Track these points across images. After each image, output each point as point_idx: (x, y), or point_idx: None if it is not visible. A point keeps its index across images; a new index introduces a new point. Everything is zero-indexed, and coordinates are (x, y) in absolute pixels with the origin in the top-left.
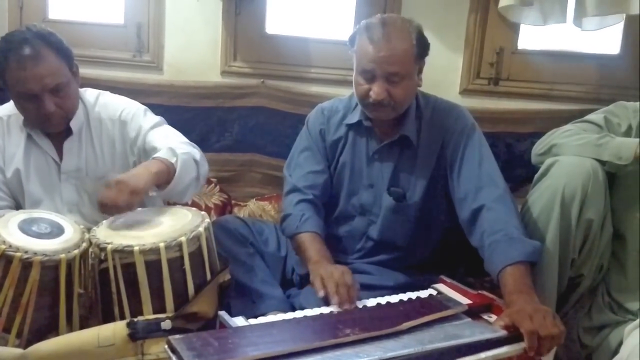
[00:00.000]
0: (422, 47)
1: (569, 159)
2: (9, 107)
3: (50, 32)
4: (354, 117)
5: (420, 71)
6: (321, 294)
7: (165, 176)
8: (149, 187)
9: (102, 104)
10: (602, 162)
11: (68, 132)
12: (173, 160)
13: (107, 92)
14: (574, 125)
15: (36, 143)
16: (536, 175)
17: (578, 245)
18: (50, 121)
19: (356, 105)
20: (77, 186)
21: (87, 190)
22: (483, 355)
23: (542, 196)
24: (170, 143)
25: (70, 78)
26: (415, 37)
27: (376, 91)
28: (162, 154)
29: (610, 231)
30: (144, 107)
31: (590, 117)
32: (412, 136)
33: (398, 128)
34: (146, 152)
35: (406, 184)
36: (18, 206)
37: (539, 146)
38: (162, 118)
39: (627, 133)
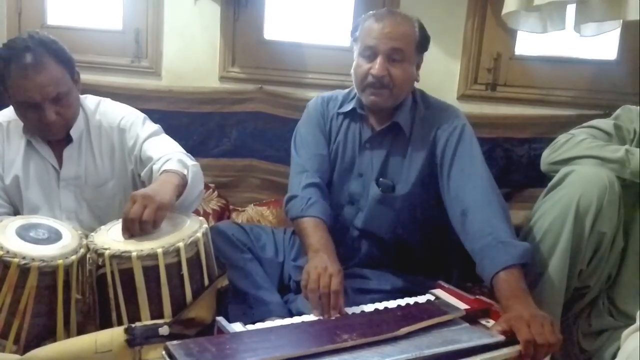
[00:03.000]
0: (423, 39)
1: (586, 169)
2: (9, 112)
3: (52, 40)
4: (349, 106)
5: (418, 67)
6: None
7: (182, 189)
8: (173, 202)
9: (103, 111)
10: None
11: (68, 139)
12: (185, 172)
13: (108, 99)
14: (585, 133)
15: (36, 150)
16: (550, 184)
17: (588, 257)
18: (51, 130)
19: (354, 96)
20: (75, 193)
21: (85, 198)
22: (479, 357)
23: (555, 205)
24: (170, 153)
25: (71, 86)
26: (418, 27)
27: (377, 68)
28: (172, 165)
29: (621, 244)
30: (143, 115)
31: (599, 124)
32: (405, 126)
33: (391, 117)
34: (142, 162)
35: (395, 176)
36: (16, 212)
37: (553, 154)
38: (160, 127)
39: (634, 139)
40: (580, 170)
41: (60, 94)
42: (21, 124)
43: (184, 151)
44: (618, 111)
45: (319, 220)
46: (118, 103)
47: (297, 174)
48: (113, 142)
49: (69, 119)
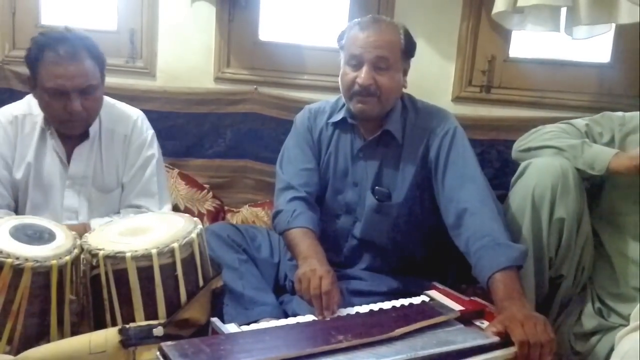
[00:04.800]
0: (409, 45)
1: (541, 160)
2: (24, 106)
3: (87, 35)
4: (339, 116)
5: (405, 73)
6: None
7: None
8: None
9: (117, 115)
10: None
11: (82, 137)
12: None
13: (122, 103)
14: (557, 127)
15: (48, 144)
16: (513, 178)
17: (553, 244)
18: (73, 121)
19: (342, 106)
20: (79, 193)
21: (88, 199)
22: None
23: (516, 197)
24: (143, 201)
25: (100, 83)
26: (403, 33)
27: (363, 77)
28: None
29: (588, 230)
30: (152, 132)
31: (575, 120)
32: (397, 133)
33: (382, 125)
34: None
35: (391, 184)
36: (15, 209)
37: (520, 142)
38: (160, 157)
39: (609, 143)
40: (536, 162)
41: (90, 87)
42: (37, 119)
43: (165, 196)
44: (597, 116)
45: (307, 230)
46: (130, 108)
47: (282, 191)
48: (120, 149)
49: (92, 114)
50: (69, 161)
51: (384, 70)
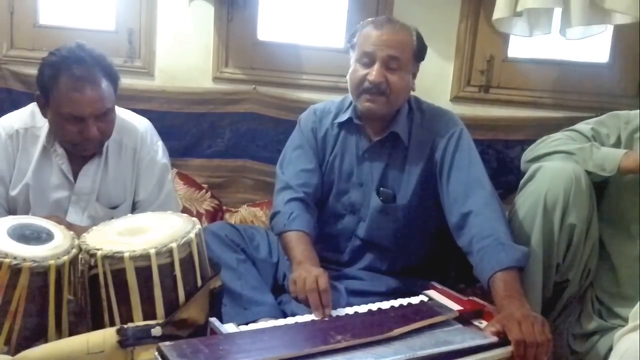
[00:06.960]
0: (421, 48)
1: (553, 164)
2: (27, 117)
3: (102, 54)
4: (345, 116)
5: (414, 76)
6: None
7: None
8: None
9: (124, 125)
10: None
11: (91, 154)
12: None
13: (128, 111)
14: (563, 134)
15: (50, 160)
16: (522, 181)
17: (562, 250)
18: (89, 145)
19: (348, 105)
20: (83, 209)
21: (91, 215)
22: (472, 358)
23: (526, 201)
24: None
25: (114, 103)
26: (416, 36)
27: (374, 74)
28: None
29: (596, 236)
30: (160, 143)
31: (580, 127)
32: (403, 135)
33: (389, 126)
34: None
35: (396, 185)
36: None
37: (527, 153)
38: (169, 167)
39: (616, 144)
40: (548, 166)
41: (107, 110)
42: (39, 131)
43: (179, 204)
44: (603, 117)
45: (302, 233)
46: (133, 117)
47: (281, 191)
48: (130, 165)
49: (107, 135)
50: (75, 177)
51: (394, 70)
